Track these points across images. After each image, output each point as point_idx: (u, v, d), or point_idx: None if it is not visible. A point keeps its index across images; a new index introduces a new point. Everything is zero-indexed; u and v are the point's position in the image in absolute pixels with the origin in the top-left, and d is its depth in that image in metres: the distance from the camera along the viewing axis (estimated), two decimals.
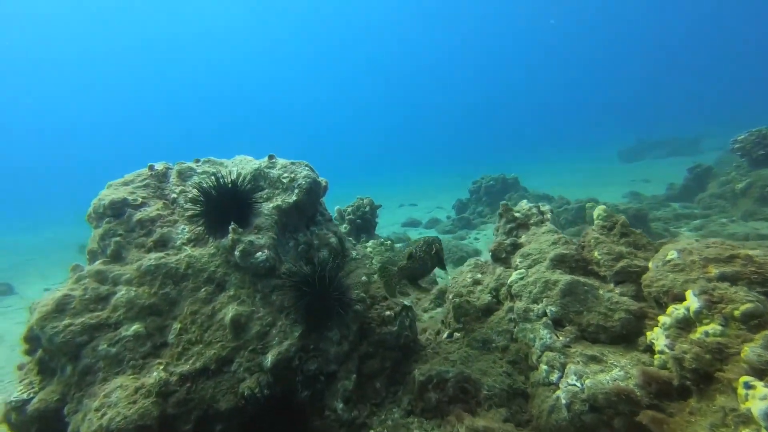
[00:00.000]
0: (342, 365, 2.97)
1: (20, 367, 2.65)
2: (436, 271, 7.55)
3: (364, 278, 3.59)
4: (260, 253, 2.95)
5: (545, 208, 4.02)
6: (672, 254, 2.33)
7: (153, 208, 3.15)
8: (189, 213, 3.16)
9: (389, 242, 6.93)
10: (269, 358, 2.67)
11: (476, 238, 12.52)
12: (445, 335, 3.61)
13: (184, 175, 3.49)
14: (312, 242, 3.61)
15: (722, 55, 71.23)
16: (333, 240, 3.70)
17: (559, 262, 3.07)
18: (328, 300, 2.89)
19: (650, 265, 2.51)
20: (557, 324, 2.59)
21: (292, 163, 3.70)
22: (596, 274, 2.88)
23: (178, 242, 3.05)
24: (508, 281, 3.31)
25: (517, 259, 3.50)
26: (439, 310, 5.11)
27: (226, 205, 3.07)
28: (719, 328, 1.80)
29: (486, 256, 9.89)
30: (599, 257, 2.87)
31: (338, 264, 3.48)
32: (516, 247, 3.78)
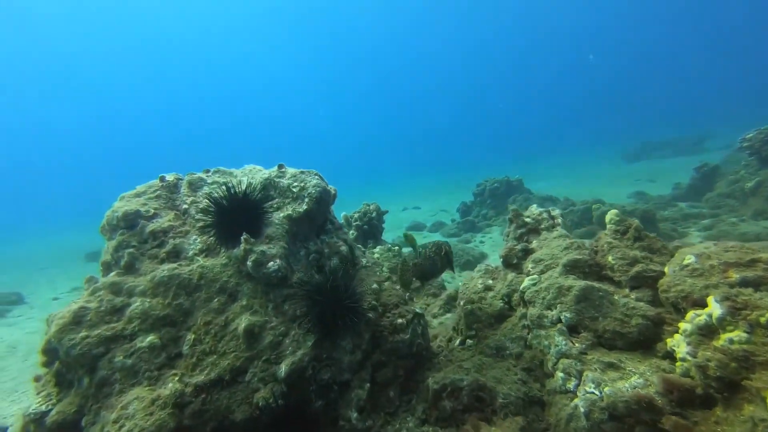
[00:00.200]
0: (355, 374, 2.97)
1: (37, 379, 2.66)
2: (444, 276, 7.56)
3: (375, 286, 3.59)
4: (272, 263, 2.96)
5: (555, 212, 4.01)
6: (689, 258, 2.31)
7: (165, 219, 3.17)
8: (200, 224, 3.18)
9: (396, 248, 6.93)
10: (283, 368, 2.67)
11: (482, 241, 12.49)
12: (457, 342, 3.60)
13: (194, 186, 3.50)
14: (322, 251, 3.61)
15: (724, 53, 70.95)
16: (343, 248, 3.71)
17: (572, 268, 3.05)
18: (340, 309, 2.88)
19: (666, 269, 2.49)
20: (572, 330, 2.58)
21: (302, 172, 3.72)
22: (610, 280, 2.86)
23: (191, 253, 3.07)
24: (521, 287, 3.29)
25: (528, 265, 3.49)
26: (448, 315, 5.10)
27: (237, 215, 3.08)
28: (744, 335, 1.77)
29: (492, 260, 9.93)
30: (613, 262, 2.85)
31: (349, 272, 3.48)
32: (527, 252, 3.77)
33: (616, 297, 2.58)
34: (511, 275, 3.74)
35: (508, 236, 4.27)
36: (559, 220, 3.99)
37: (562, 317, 2.66)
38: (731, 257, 2.15)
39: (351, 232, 7.52)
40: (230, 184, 3.27)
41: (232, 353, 2.67)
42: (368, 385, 2.95)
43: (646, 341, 2.35)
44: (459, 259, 9.72)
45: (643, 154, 29.33)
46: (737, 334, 1.80)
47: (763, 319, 1.76)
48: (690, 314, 2.08)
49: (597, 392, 2.08)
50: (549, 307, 2.85)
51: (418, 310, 3.53)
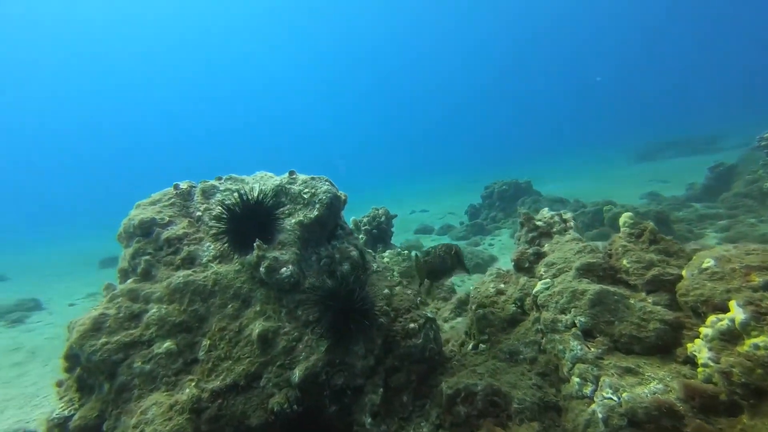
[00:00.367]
0: (368, 379, 2.97)
1: (59, 384, 2.71)
2: (454, 279, 7.53)
3: (386, 291, 3.59)
4: (285, 268, 2.98)
5: (567, 215, 3.99)
6: (708, 262, 2.28)
7: (179, 227, 3.21)
8: (214, 230, 3.22)
9: (406, 252, 6.93)
10: (297, 374, 2.68)
11: (491, 244, 12.42)
12: (470, 347, 3.58)
13: (207, 193, 3.55)
14: (333, 256, 3.63)
15: (736, 52, 69.86)
16: (354, 253, 3.72)
17: (585, 271, 3.03)
18: (352, 314, 2.89)
19: (684, 273, 2.46)
20: (587, 335, 2.55)
21: (312, 179, 3.75)
22: (626, 283, 2.83)
23: (205, 259, 3.11)
24: (533, 291, 3.27)
25: (541, 269, 3.47)
26: (459, 319, 5.08)
27: (249, 222, 3.12)
28: None
29: (502, 263, 9.87)
30: (628, 265, 2.82)
31: (360, 277, 3.49)
32: (539, 256, 3.74)
33: (631, 301, 2.55)
34: (523, 279, 3.72)
35: (519, 240, 4.25)
36: (572, 224, 3.97)
37: (576, 321, 2.64)
38: (753, 260, 2.12)
39: (360, 236, 7.54)
40: (242, 191, 3.31)
41: (246, 359, 2.69)
42: (381, 390, 2.95)
43: (665, 346, 2.31)
44: (468, 263, 9.68)
45: (653, 154, 28.97)
46: (762, 340, 1.76)
47: None
48: (711, 319, 2.04)
49: (615, 398, 2.05)
50: (563, 312, 2.82)
51: (429, 315, 3.52)
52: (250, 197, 3.16)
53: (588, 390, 2.25)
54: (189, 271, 2.96)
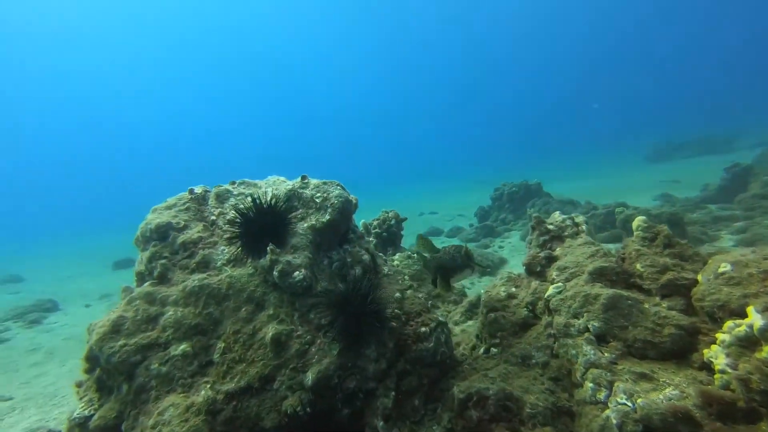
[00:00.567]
0: (380, 383, 2.98)
1: (79, 385, 2.78)
2: (464, 282, 7.51)
3: (397, 294, 3.61)
4: (297, 272, 3.02)
5: (579, 219, 3.96)
6: (725, 266, 2.25)
7: (194, 231, 3.27)
8: (228, 234, 3.27)
9: (416, 255, 6.93)
10: (310, 376, 2.71)
11: (501, 246, 12.36)
12: (481, 350, 3.58)
13: (221, 198, 3.61)
14: (345, 260, 3.65)
15: (751, 51, 68.55)
16: (365, 257, 3.74)
17: (598, 276, 3.01)
18: (364, 317, 2.91)
19: (699, 277, 2.43)
20: (600, 339, 2.54)
21: (324, 183, 3.79)
22: (639, 288, 2.81)
23: (219, 263, 3.15)
24: (545, 295, 3.26)
25: (553, 273, 3.45)
26: (470, 322, 5.07)
27: (262, 226, 3.16)
28: None
29: (512, 265, 9.82)
30: (642, 270, 2.80)
31: (372, 281, 3.51)
32: (551, 260, 3.73)
33: (646, 306, 2.53)
34: (534, 283, 3.70)
35: (530, 243, 4.23)
36: (584, 227, 3.94)
37: (589, 326, 2.62)
38: None
39: (371, 239, 7.56)
40: (255, 196, 3.36)
41: (260, 361, 2.73)
42: (393, 393, 2.96)
43: (680, 351, 2.29)
44: (477, 266, 9.63)
45: (666, 154, 28.58)
46: None
47: None
48: (728, 324, 2.02)
49: (629, 404, 2.04)
50: (575, 316, 2.81)
51: (441, 319, 3.53)
52: (263, 201, 3.20)
53: (602, 395, 2.24)
54: (204, 275, 3.01)
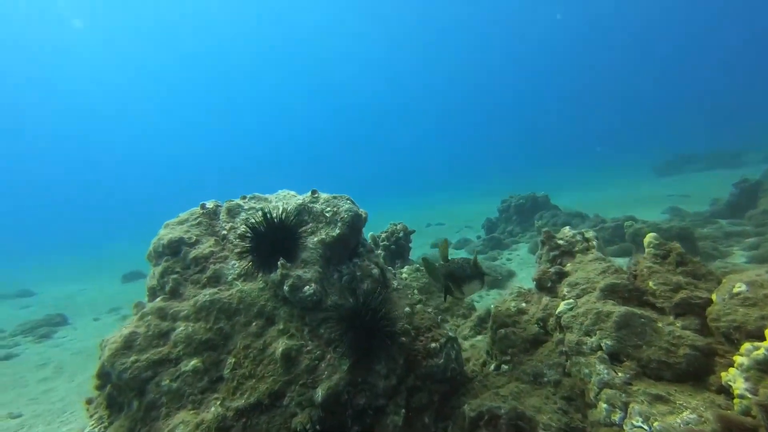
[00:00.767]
0: (390, 399, 2.96)
1: (89, 402, 2.78)
2: (473, 296, 7.46)
3: (407, 309, 3.60)
4: (308, 287, 3.02)
5: (590, 234, 3.94)
6: (740, 287, 2.23)
7: (206, 245, 3.30)
8: (238, 249, 3.29)
9: (423, 262, 6.91)
10: (320, 393, 2.69)
11: (509, 259, 12.28)
12: (492, 367, 3.54)
13: (232, 212, 3.64)
14: (355, 274, 3.65)
15: (760, 64, 68.21)
16: (375, 271, 3.74)
17: (610, 292, 2.98)
18: (374, 332, 2.90)
19: (714, 297, 2.40)
20: (614, 358, 2.50)
21: (334, 197, 3.81)
22: (652, 306, 2.78)
23: (230, 277, 3.17)
24: (556, 311, 3.24)
25: (564, 289, 3.43)
26: (479, 337, 5.02)
27: (273, 241, 3.18)
28: None
29: (521, 278, 9.74)
30: (655, 287, 2.77)
31: (382, 295, 3.51)
32: (561, 275, 3.70)
33: (659, 324, 2.50)
34: (545, 299, 3.68)
35: (540, 258, 4.21)
36: (594, 243, 3.92)
37: (602, 344, 2.59)
38: None
39: (379, 252, 7.56)
40: (266, 210, 3.39)
41: (270, 377, 2.72)
42: (404, 411, 2.93)
43: (696, 373, 2.25)
44: (486, 278, 9.57)
45: (674, 168, 28.38)
46: None
47: None
48: (746, 347, 1.98)
49: (646, 427, 2.00)
50: (587, 333, 2.78)
51: (451, 334, 3.51)
52: (273, 216, 3.23)
53: (617, 417, 2.20)
54: (215, 289, 3.03)
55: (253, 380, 2.69)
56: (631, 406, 2.14)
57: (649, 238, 3.14)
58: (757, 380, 1.87)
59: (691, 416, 1.93)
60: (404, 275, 6.75)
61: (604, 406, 2.26)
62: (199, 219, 3.51)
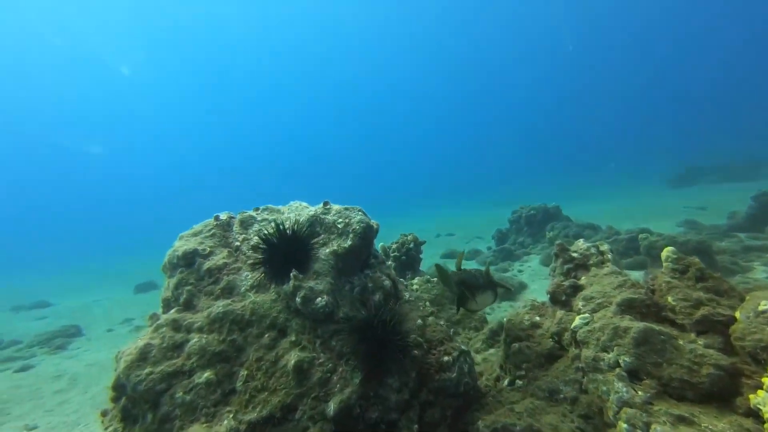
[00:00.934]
0: (403, 414, 2.91)
1: (104, 414, 2.79)
2: (485, 309, 7.38)
3: (419, 321, 3.57)
4: (320, 298, 3.01)
5: (604, 247, 3.88)
6: (765, 305, 2.16)
7: (219, 257, 3.32)
8: (251, 260, 3.31)
9: (435, 279, 6.86)
10: (331, 406, 2.67)
11: (520, 270, 12.15)
12: (506, 382, 3.48)
13: (245, 224, 3.67)
14: (366, 285, 3.64)
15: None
16: (387, 283, 3.73)
17: (627, 307, 2.92)
18: (387, 345, 2.88)
19: (738, 315, 2.34)
20: (633, 376, 2.44)
21: (346, 209, 3.82)
22: (672, 322, 2.71)
23: (243, 289, 3.18)
24: (572, 326, 3.17)
25: (579, 303, 3.37)
26: (492, 351, 4.95)
27: (286, 252, 3.19)
28: None
29: (532, 290, 9.62)
30: (674, 303, 2.71)
31: (394, 307, 3.49)
32: (576, 289, 3.64)
33: (680, 342, 2.43)
34: (560, 313, 3.62)
35: (554, 271, 4.15)
36: (609, 256, 3.86)
37: (620, 361, 2.53)
38: None
39: (389, 263, 7.54)
40: (279, 221, 3.41)
41: (282, 390, 2.71)
42: (416, 426, 2.89)
43: (721, 394, 2.18)
44: (498, 290, 9.47)
45: (688, 180, 27.95)
46: None
47: None
48: None
49: None
50: (605, 350, 2.72)
51: (463, 347, 3.46)
52: (286, 227, 3.24)
53: None
54: (228, 301, 3.04)
55: (266, 393, 2.68)
56: (653, 427, 2.08)
57: (667, 252, 3.08)
58: None
59: None
60: (415, 287, 6.71)
61: (625, 426, 2.20)
62: (213, 230, 3.54)
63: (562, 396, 2.94)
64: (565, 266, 3.94)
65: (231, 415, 2.52)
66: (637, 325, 2.64)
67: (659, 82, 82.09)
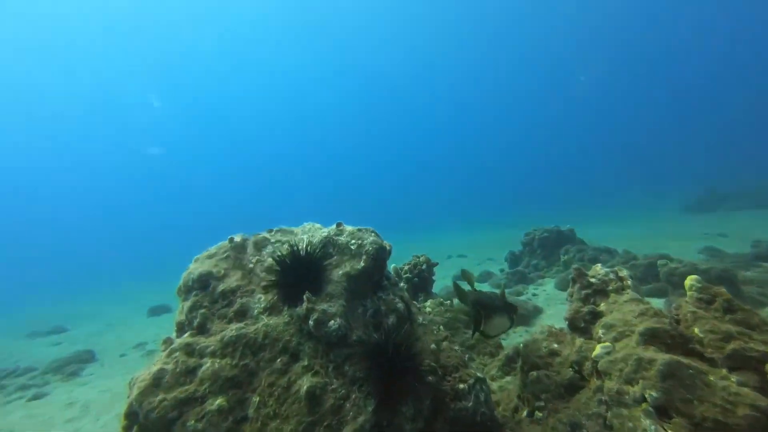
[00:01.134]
0: None
1: None
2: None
3: (433, 346, 3.49)
4: (333, 321, 2.97)
5: (624, 273, 3.78)
6: None
7: (233, 279, 3.32)
8: (264, 282, 3.29)
9: (448, 302, 6.76)
10: None
11: (534, 294, 11.92)
12: (524, 413, 3.35)
13: (259, 245, 3.67)
14: (379, 308, 3.59)
15: None
16: (400, 305, 3.67)
17: (650, 337, 2.81)
18: (401, 371, 2.81)
19: None
20: (661, 413, 2.32)
21: (359, 230, 3.81)
22: (700, 355, 2.59)
23: (255, 312, 3.16)
24: (593, 355, 3.06)
25: (599, 330, 3.25)
26: (508, 378, 4.80)
27: (299, 274, 3.18)
28: None
29: (548, 315, 9.38)
30: (702, 335, 2.59)
31: (407, 331, 3.42)
32: (595, 316, 3.53)
33: (711, 378, 2.31)
34: (579, 340, 3.50)
35: (571, 296, 4.04)
36: (629, 282, 3.74)
37: (647, 396, 2.41)
38: None
39: (402, 284, 7.47)
40: (292, 243, 3.41)
41: (294, 417, 2.64)
42: None
43: None
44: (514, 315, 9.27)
45: (707, 205, 27.27)
46: None
47: None
48: None
49: None
50: (629, 382, 2.60)
51: (479, 375, 3.37)
52: (299, 249, 3.24)
53: None
54: (241, 324, 3.01)
55: (278, 420, 2.62)
56: None
57: (691, 280, 2.98)
58: None
59: None
60: (428, 309, 6.61)
61: None
62: (227, 253, 3.54)
63: (584, 431, 2.81)
64: (583, 291, 3.84)
65: None
66: (662, 357, 2.52)
67: (677, 103, 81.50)
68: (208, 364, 2.73)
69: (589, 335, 3.50)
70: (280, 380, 2.80)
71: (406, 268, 7.61)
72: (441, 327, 4.03)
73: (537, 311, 9.66)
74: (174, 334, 3.18)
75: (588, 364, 3.19)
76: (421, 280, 7.46)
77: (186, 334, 2.98)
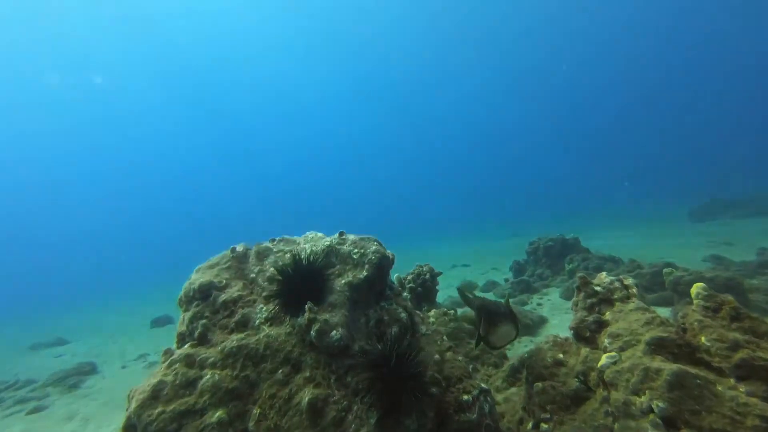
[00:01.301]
0: None
1: None
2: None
3: (437, 357, 3.45)
4: (334, 331, 2.95)
5: (629, 281, 3.74)
6: None
7: (235, 289, 3.30)
8: (266, 293, 3.28)
9: (452, 312, 6.70)
10: None
11: (539, 304, 11.81)
12: (530, 425, 3.29)
13: (261, 255, 3.67)
14: (382, 318, 3.57)
15: None
16: (403, 315, 3.64)
17: (657, 347, 2.76)
18: (404, 382, 2.77)
19: None
20: (669, 424, 2.27)
21: (361, 239, 3.80)
22: (707, 365, 2.54)
23: (257, 322, 3.14)
24: (598, 365, 3.02)
25: (605, 340, 3.21)
26: (513, 389, 4.72)
27: (301, 283, 3.16)
28: None
29: (553, 325, 9.28)
30: (708, 344, 2.55)
31: (410, 342, 3.38)
32: (600, 325, 3.49)
33: (719, 388, 2.27)
34: (585, 350, 3.45)
35: (576, 305, 4.00)
36: (634, 290, 3.70)
37: (654, 407, 2.37)
38: None
39: (404, 294, 7.42)
40: (294, 252, 3.40)
41: (295, 429, 2.60)
42: None
43: None
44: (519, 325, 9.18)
45: (712, 213, 27.01)
46: None
47: None
48: None
49: None
50: (636, 393, 2.56)
51: (484, 386, 3.31)
52: (302, 258, 3.23)
53: None
54: (242, 335, 2.99)
55: None
56: None
57: (697, 288, 2.94)
58: None
59: None
60: (431, 319, 6.55)
61: None
62: (229, 263, 3.54)
63: None
64: (588, 300, 3.79)
65: None
66: (669, 367, 2.48)
67: (681, 110, 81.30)
68: (208, 376, 2.71)
69: (594, 345, 3.45)
70: (282, 392, 2.77)
71: (410, 277, 7.57)
72: (445, 337, 3.99)
73: (542, 321, 9.56)
74: (175, 345, 3.16)
75: (594, 375, 3.14)
76: (424, 290, 7.41)
77: (186, 345, 2.96)
